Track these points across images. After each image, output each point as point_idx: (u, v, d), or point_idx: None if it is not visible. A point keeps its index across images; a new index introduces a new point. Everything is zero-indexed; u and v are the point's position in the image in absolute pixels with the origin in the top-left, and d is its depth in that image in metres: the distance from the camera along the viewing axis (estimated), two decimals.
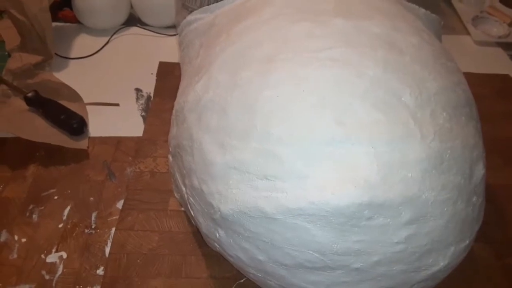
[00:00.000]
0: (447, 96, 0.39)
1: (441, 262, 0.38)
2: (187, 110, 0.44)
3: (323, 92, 0.36)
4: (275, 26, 0.42)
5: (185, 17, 0.74)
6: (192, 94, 0.44)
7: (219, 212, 0.39)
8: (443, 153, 0.36)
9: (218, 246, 0.43)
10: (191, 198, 0.44)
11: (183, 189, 0.46)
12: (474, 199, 0.39)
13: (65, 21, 0.84)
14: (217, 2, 0.72)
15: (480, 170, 0.40)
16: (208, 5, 0.71)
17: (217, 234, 0.41)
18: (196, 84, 0.44)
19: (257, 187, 0.36)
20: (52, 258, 0.50)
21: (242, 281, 0.49)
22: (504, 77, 0.81)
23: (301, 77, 0.37)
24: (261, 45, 0.41)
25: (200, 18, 0.52)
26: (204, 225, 0.43)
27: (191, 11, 0.73)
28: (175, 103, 0.49)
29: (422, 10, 0.52)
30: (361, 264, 0.36)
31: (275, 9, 0.44)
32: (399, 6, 0.47)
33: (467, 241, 0.40)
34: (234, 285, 0.49)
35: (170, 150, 0.50)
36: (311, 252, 0.36)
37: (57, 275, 0.49)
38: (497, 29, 0.92)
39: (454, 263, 0.39)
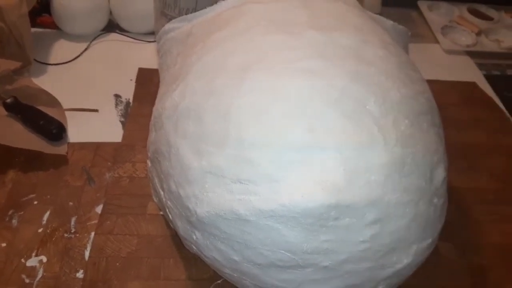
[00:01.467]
0: (409, 104, 0.42)
1: (404, 259, 0.40)
2: (165, 116, 0.45)
3: (295, 101, 0.39)
4: (250, 36, 0.44)
5: (163, 24, 0.76)
6: (170, 101, 0.45)
7: (195, 215, 0.40)
8: (405, 157, 0.38)
9: (195, 248, 0.44)
10: (169, 202, 0.46)
11: (162, 193, 0.48)
12: (435, 200, 0.42)
13: (44, 27, 0.85)
14: (195, 10, 0.74)
15: (440, 174, 0.43)
16: (187, 13, 0.74)
17: (194, 236, 0.43)
18: (173, 91, 0.45)
19: (231, 190, 0.38)
20: (32, 262, 0.51)
21: (219, 282, 0.51)
22: (471, 84, 0.85)
23: (274, 86, 0.40)
24: (236, 54, 0.43)
25: (178, 27, 0.54)
26: (182, 227, 0.44)
27: (170, 19, 0.75)
28: (154, 109, 0.51)
29: (390, 22, 0.55)
30: (330, 262, 0.38)
31: (250, 20, 0.46)
32: (368, 19, 0.50)
33: (430, 240, 0.42)
34: (211, 286, 0.50)
35: (149, 155, 0.51)
36: (282, 251, 0.38)
37: (37, 279, 0.50)
38: (465, 38, 0.97)
39: (417, 261, 0.42)
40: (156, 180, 0.50)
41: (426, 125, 0.43)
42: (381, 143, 0.38)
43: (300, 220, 0.36)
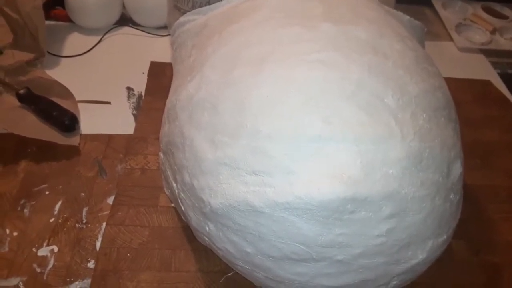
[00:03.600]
0: (427, 99, 0.41)
1: (419, 255, 0.40)
2: (179, 108, 0.45)
3: (311, 93, 0.38)
4: (266, 29, 0.44)
5: (176, 18, 0.76)
6: (184, 93, 0.45)
7: (209, 206, 0.40)
8: (422, 152, 0.38)
9: (207, 240, 0.44)
10: (182, 194, 0.45)
11: (174, 185, 0.48)
12: (451, 196, 0.41)
13: (57, 20, 0.85)
14: (209, 3, 0.74)
15: (457, 169, 0.42)
16: (200, 6, 0.73)
17: (207, 228, 0.42)
18: (188, 83, 0.45)
19: (246, 182, 0.38)
20: (43, 251, 0.51)
21: (230, 274, 0.51)
22: (485, 82, 0.84)
23: (290, 77, 0.39)
24: (252, 46, 0.43)
25: (192, 19, 0.54)
26: (194, 219, 0.44)
27: (183, 12, 0.75)
28: (167, 101, 0.51)
29: (406, 17, 0.54)
30: (344, 256, 0.38)
31: (266, 13, 0.46)
32: (385, 13, 0.49)
33: (445, 236, 0.42)
34: (222, 278, 0.50)
35: (161, 147, 0.51)
36: (296, 244, 0.37)
37: (48, 268, 0.50)
38: (479, 36, 0.96)
39: (432, 257, 0.41)
40: (168, 172, 0.49)
41: (443, 119, 0.42)
42: (398, 137, 0.37)
43: (316, 212, 0.36)
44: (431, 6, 1.03)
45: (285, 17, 0.45)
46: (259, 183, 0.37)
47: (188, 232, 0.53)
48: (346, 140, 0.36)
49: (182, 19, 0.55)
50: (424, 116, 0.40)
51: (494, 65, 0.89)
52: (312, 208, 0.36)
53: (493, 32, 0.96)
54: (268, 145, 0.37)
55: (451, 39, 0.94)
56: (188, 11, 0.74)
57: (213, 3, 0.57)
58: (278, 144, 0.37)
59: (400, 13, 0.54)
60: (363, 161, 0.36)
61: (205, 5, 0.73)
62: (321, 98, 0.38)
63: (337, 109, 0.38)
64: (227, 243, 0.41)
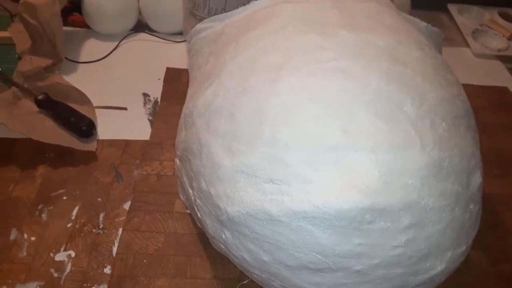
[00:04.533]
0: (446, 107, 0.41)
1: (438, 266, 0.39)
2: (196, 115, 0.46)
3: (328, 101, 0.38)
4: (283, 36, 0.44)
5: (192, 24, 0.76)
6: (202, 100, 0.45)
7: (226, 214, 0.40)
8: (442, 161, 0.38)
9: (223, 247, 0.44)
10: (198, 200, 0.46)
11: (190, 191, 0.48)
12: (471, 207, 0.41)
13: (75, 26, 0.86)
14: (224, 10, 0.74)
15: (477, 179, 0.42)
16: (216, 13, 0.74)
17: (223, 236, 0.42)
18: (205, 90, 0.46)
19: (263, 190, 0.38)
20: (60, 256, 0.52)
21: (245, 282, 0.50)
22: (503, 89, 0.83)
23: (308, 86, 0.39)
24: (270, 54, 0.43)
25: (209, 26, 0.54)
26: (211, 226, 0.44)
27: (199, 19, 0.75)
28: (184, 108, 0.51)
29: (424, 24, 0.54)
30: (362, 266, 0.37)
31: (283, 20, 0.46)
32: (402, 19, 0.49)
33: (464, 247, 0.41)
34: (238, 286, 0.50)
35: (178, 153, 0.52)
36: (314, 254, 0.37)
37: (65, 273, 0.50)
38: (496, 42, 0.95)
39: (451, 268, 0.41)
40: (185, 179, 0.50)
41: (463, 128, 0.42)
42: (418, 146, 0.37)
43: (334, 222, 0.35)
44: (447, 11, 1.02)
45: (302, 25, 0.45)
46: (277, 192, 0.37)
47: (204, 239, 0.53)
48: (364, 149, 0.36)
49: (199, 26, 0.56)
50: (444, 124, 0.39)
51: (511, 71, 0.88)
52: (330, 218, 0.35)
53: (510, 38, 0.95)
54: (285, 153, 0.37)
55: (468, 45, 0.93)
56: (204, 17, 0.75)
57: (229, 9, 0.57)
58: (296, 153, 0.37)
59: (417, 20, 0.54)
60: (381, 171, 0.36)
61: (221, 12, 0.74)
62: (339, 107, 0.38)
63: (356, 118, 0.37)
64: (244, 251, 0.41)
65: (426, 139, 0.37)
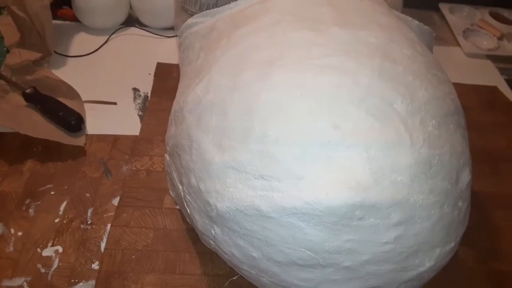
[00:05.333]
0: (436, 105, 0.41)
1: (427, 263, 0.39)
2: (187, 110, 0.45)
3: (320, 97, 0.38)
4: (275, 32, 0.44)
5: (184, 19, 0.76)
6: (192, 95, 0.45)
7: (215, 210, 0.40)
8: (431, 159, 0.38)
9: (213, 243, 0.44)
10: (187, 196, 0.45)
11: (180, 187, 0.47)
12: (460, 204, 0.41)
13: (64, 19, 0.85)
14: (216, 5, 0.74)
15: (466, 176, 0.42)
16: (207, 8, 0.73)
17: (213, 231, 0.42)
18: (196, 85, 0.45)
19: (253, 186, 0.38)
20: (48, 252, 0.51)
21: (234, 278, 0.50)
22: (493, 89, 0.84)
23: (300, 82, 0.39)
24: (261, 49, 0.42)
25: (200, 21, 0.54)
26: (200, 222, 0.44)
27: (190, 14, 0.75)
28: (174, 103, 0.50)
29: (416, 22, 0.54)
30: (351, 262, 0.37)
31: (275, 16, 0.46)
32: (395, 18, 0.49)
33: (453, 244, 0.41)
34: (227, 282, 0.50)
35: (167, 149, 0.51)
36: (303, 250, 0.37)
37: (52, 269, 0.50)
38: (487, 42, 0.95)
39: (440, 265, 0.41)
40: (174, 174, 0.49)
41: (452, 126, 0.42)
42: (408, 143, 0.37)
43: (323, 218, 0.35)
44: (438, 11, 1.02)
45: (295, 20, 0.45)
46: (267, 188, 0.37)
47: (193, 235, 0.52)
48: (355, 146, 0.36)
49: (190, 21, 0.55)
50: (434, 122, 0.39)
51: (501, 71, 0.89)
52: (320, 214, 0.35)
53: (500, 38, 0.96)
54: (276, 149, 0.37)
55: (458, 45, 0.94)
56: (196, 12, 0.74)
57: (221, 4, 0.57)
58: (287, 149, 0.37)
59: (409, 18, 0.54)
60: (372, 167, 0.36)
61: (213, 7, 0.74)
62: (330, 103, 0.38)
63: (347, 115, 0.37)
64: (233, 247, 0.41)
65: (416, 136, 0.37)
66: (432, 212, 0.38)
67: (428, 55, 0.47)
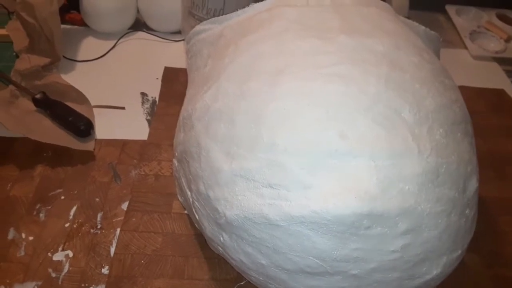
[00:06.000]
0: (444, 113, 0.41)
1: (434, 270, 0.40)
2: (195, 118, 0.46)
3: (327, 106, 0.38)
4: (283, 40, 0.44)
5: (191, 24, 0.76)
6: (201, 103, 0.45)
7: (224, 217, 0.40)
8: (439, 168, 0.38)
9: (221, 250, 0.45)
10: (196, 203, 0.46)
11: (188, 193, 0.48)
12: (467, 212, 0.41)
13: (72, 24, 0.86)
14: (223, 10, 0.74)
15: (473, 184, 0.42)
16: (214, 13, 0.74)
17: (221, 238, 0.43)
18: (204, 93, 0.46)
19: (262, 194, 0.38)
20: (58, 256, 0.52)
21: (242, 283, 0.51)
22: (499, 92, 0.84)
23: (307, 91, 0.39)
24: (269, 58, 0.43)
25: (208, 28, 0.54)
26: (209, 229, 0.44)
27: (198, 19, 0.75)
28: (183, 109, 0.51)
29: (422, 28, 0.54)
30: (359, 270, 0.38)
31: (282, 24, 0.46)
32: (401, 24, 0.49)
33: (459, 252, 0.42)
34: (235, 287, 0.51)
35: (176, 155, 0.52)
36: (311, 258, 0.37)
37: (63, 273, 0.50)
38: (494, 44, 0.95)
39: (446, 272, 0.41)
40: (183, 180, 0.50)
41: (460, 134, 0.42)
42: (415, 152, 0.37)
43: (331, 227, 0.36)
44: (445, 13, 1.02)
45: (302, 29, 0.45)
46: (275, 196, 0.37)
47: (201, 240, 0.53)
48: (362, 155, 0.37)
49: (198, 27, 0.56)
50: (441, 131, 0.40)
51: (508, 73, 0.89)
52: (328, 223, 0.36)
53: (507, 40, 0.95)
54: (284, 158, 0.38)
55: (465, 47, 0.93)
56: (203, 17, 0.75)
57: (228, 10, 0.57)
58: (295, 158, 0.37)
59: (416, 24, 0.54)
60: (379, 177, 0.36)
61: (220, 12, 0.74)
62: (338, 112, 0.38)
63: (354, 124, 0.38)
64: (242, 254, 0.41)
65: (423, 145, 0.38)
66: (440, 220, 0.38)
67: (435, 62, 0.47)
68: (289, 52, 0.43)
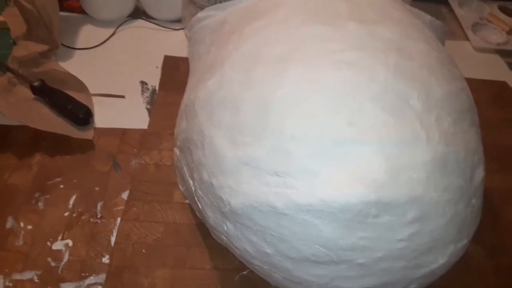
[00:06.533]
0: (452, 102, 0.41)
1: (440, 260, 0.39)
2: (198, 106, 0.45)
3: (335, 94, 0.38)
4: (289, 27, 0.43)
5: (191, 12, 0.75)
6: (204, 91, 0.45)
7: (228, 206, 0.40)
8: (447, 156, 0.37)
9: (225, 239, 0.44)
10: (199, 191, 0.45)
11: (191, 182, 0.47)
12: (473, 201, 0.41)
13: (71, 11, 0.84)
14: None
15: (480, 174, 0.42)
16: (215, 1, 0.73)
17: (225, 227, 0.42)
18: (208, 80, 0.45)
19: (268, 182, 0.37)
20: (58, 245, 0.51)
21: (245, 272, 0.50)
22: (501, 84, 0.83)
23: (315, 78, 0.39)
24: (275, 44, 0.42)
25: (211, 15, 0.53)
26: (212, 217, 0.44)
27: (198, 6, 0.74)
28: (185, 97, 0.50)
29: (428, 17, 0.54)
30: (365, 259, 0.37)
31: (289, 10, 0.45)
32: (408, 12, 0.49)
33: (465, 241, 0.41)
34: (237, 276, 0.50)
35: (178, 143, 0.51)
36: (317, 246, 0.37)
37: (63, 263, 0.50)
38: (496, 36, 0.94)
39: (452, 261, 0.41)
40: (185, 169, 0.49)
41: (467, 123, 0.42)
42: (424, 140, 0.37)
43: (338, 215, 0.35)
44: (447, 4, 1.01)
45: (309, 15, 0.44)
46: (281, 185, 0.37)
47: (203, 229, 0.52)
48: (371, 142, 0.36)
49: (200, 14, 0.55)
50: (449, 119, 0.39)
51: (510, 66, 0.88)
52: (335, 211, 0.35)
53: (509, 32, 0.95)
54: (291, 146, 0.37)
55: (467, 39, 0.93)
56: (204, 4, 0.73)
57: None
58: (302, 146, 0.37)
59: (422, 13, 0.53)
60: (388, 164, 0.35)
61: (221, 0, 0.73)
62: (346, 99, 0.38)
63: (362, 111, 0.37)
64: (246, 243, 0.41)
65: (432, 133, 0.37)
66: (447, 209, 0.37)
67: (442, 50, 0.46)
68: (296, 38, 0.42)
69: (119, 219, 0.54)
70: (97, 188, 0.57)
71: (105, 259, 0.50)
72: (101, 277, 0.49)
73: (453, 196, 0.38)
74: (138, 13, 0.86)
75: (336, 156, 0.36)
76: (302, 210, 0.36)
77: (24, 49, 0.70)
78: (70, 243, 0.52)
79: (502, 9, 1.01)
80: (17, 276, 0.48)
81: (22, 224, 0.53)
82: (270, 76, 0.40)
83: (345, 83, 0.38)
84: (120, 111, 0.67)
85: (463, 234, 0.41)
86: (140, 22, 0.85)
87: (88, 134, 0.62)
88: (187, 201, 0.56)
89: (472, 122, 0.43)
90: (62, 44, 0.76)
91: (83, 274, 0.49)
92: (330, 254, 0.37)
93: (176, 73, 0.74)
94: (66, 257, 0.50)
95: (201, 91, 0.45)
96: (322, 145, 0.36)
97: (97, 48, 0.78)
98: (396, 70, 0.39)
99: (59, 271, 0.49)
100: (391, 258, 0.37)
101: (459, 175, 0.38)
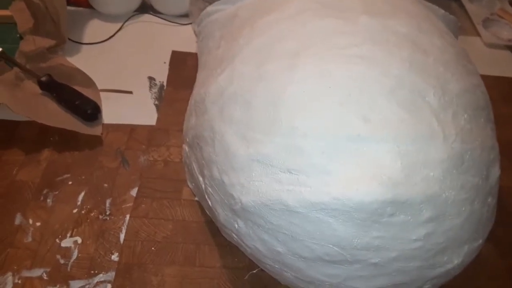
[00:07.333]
0: (468, 98, 0.40)
1: (455, 260, 0.39)
2: (209, 101, 0.44)
3: (349, 89, 0.37)
4: (301, 21, 0.42)
5: (199, 6, 0.74)
6: (214, 86, 0.44)
7: (240, 203, 0.39)
8: (463, 154, 0.37)
9: (235, 237, 0.43)
10: (209, 188, 0.45)
11: (200, 179, 0.47)
12: (489, 200, 0.40)
13: (77, 6, 0.84)
14: None
15: (496, 172, 0.41)
16: None
17: (236, 225, 0.42)
18: (218, 76, 0.44)
19: (280, 180, 0.37)
20: (67, 242, 0.51)
21: (255, 271, 0.50)
22: None
23: (327, 73, 0.38)
24: (287, 39, 0.41)
25: (221, 9, 0.52)
26: (222, 215, 0.43)
27: (207, 0, 0.73)
28: (194, 93, 0.49)
29: (441, 11, 0.53)
30: (379, 259, 0.37)
31: (301, 4, 0.44)
32: (422, 6, 0.48)
33: (480, 241, 0.41)
34: (247, 275, 0.50)
35: (187, 140, 0.50)
36: (331, 246, 0.36)
37: (72, 260, 0.49)
38: (507, 32, 0.93)
39: (467, 261, 0.40)
40: (194, 166, 0.49)
41: (483, 120, 0.41)
42: (440, 138, 0.36)
43: (353, 214, 0.35)
44: None
45: (321, 9, 0.44)
46: (294, 182, 0.36)
47: (212, 227, 0.52)
48: (386, 139, 0.35)
49: (210, 8, 0.54)
50: (465, 116, 0.38)
51: None
52: (350, 210, 0.34)
53: None
54: (304, 143, 0.36)
55: (478, 34, 0.91)
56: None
57: None
58: (315, 142, 0.36)
59: (435, 7, 0.52)
60: (403, 162, 0.35)
61: None
62: (360, 95, 0.37)
63: (377, 107, 0.36)
64: (257, 241, 0.40)
65: (448, 130, 0.36)
66: (463, 208, 0.37)
67: (457, 45, 0.45)
68: (308, 33, 0.41)
69: (128, 216, 0.54)
70: (105, 185, 0.57)
71: (114, 257, 0.50)
72: (110, 275, 0.48)
73: (469, 195, 0.37)
74: (145, 7, 0.85)
75: (350, 153, 0.35)
76: (315, 209, 0.35)
77: (31, 43, 0.70)
78: (79, 240, 0.51)
79: None
80: (26, 273, 0.48)
81: (30, 221, 0.52)
82: (282, 71, 0.39)
83: (360, 78, 0.37)
84: (128, 107, 0.67)
85: (478, 234, 0.40)
86: (147, 17, 0.84)
87: (96, 130, 0.62)
88: (196, 198, 0.56)
89: (488, 119, 0.42)
90: (69, 39, 0.75)
91: (92, 272, 0.49)
92: (343, 253, 0.36)
93: (184, 68, 0.73)
94: (75, 254, 0.50)
95: (212, 86, 0.44)
96: (336, 142, 0.35)
97: (104, 43, 0.77)
98: (411, 65, 0.38)
99: (68, 269, 0.49)
100: (405, 258, 0.37)
101: (475, 174, 0.38)
